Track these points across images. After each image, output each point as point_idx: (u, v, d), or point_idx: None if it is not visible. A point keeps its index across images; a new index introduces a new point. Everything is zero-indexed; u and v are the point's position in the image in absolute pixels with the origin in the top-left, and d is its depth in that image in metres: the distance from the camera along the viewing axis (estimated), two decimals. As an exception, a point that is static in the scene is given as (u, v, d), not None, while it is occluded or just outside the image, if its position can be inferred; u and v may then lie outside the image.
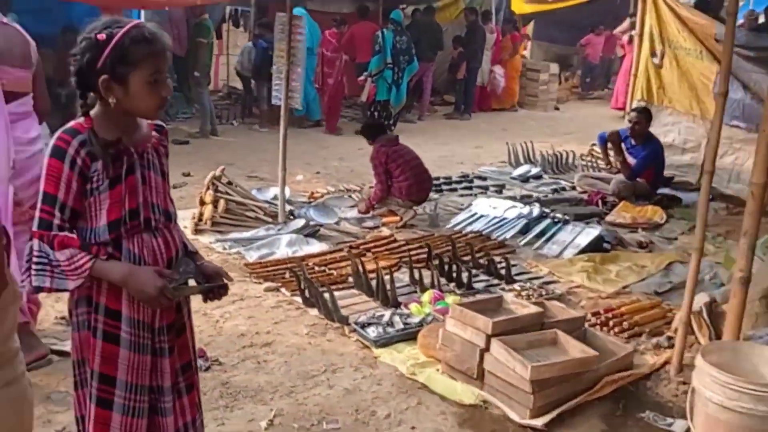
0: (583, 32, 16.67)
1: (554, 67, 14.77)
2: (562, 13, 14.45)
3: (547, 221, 5.87)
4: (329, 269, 4.95)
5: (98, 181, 1.95)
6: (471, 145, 10.35)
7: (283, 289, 4.60)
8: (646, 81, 7.61)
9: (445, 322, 3.61)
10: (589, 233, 5.60)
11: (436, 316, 4.06)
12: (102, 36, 1.90)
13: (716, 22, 7.06)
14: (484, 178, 7.96)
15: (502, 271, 4.91)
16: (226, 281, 2.20)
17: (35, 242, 1.92)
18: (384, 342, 3.86)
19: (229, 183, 6.00)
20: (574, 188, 7.57)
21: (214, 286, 2.17)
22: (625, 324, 4.10)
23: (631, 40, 14.75)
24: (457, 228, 6.08)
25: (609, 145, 7.45)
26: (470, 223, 6.15)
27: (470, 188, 7.49)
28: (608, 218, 6.38)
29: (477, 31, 12.54)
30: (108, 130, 1.98)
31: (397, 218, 6.07)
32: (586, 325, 3.90)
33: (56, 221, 1.92)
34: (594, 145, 9.08)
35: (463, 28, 12.90)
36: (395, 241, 5.58)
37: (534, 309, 3.63)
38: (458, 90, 12.96)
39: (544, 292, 4.58)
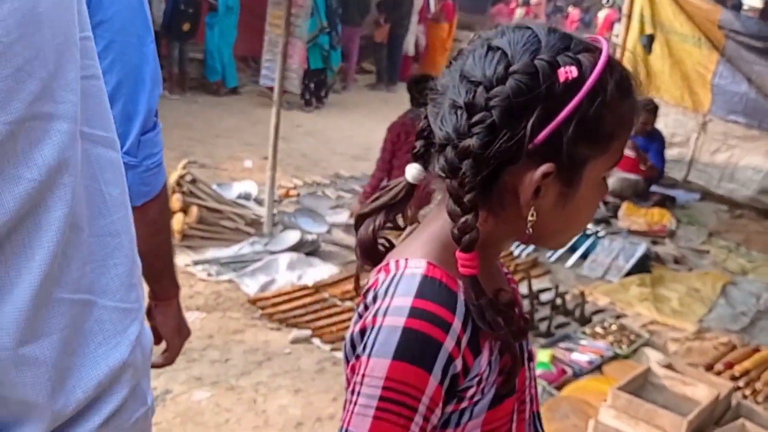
0: (483, 1, 16.15)
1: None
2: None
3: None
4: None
5: (476, 396, 0.85)
6: (413, 123, 9.39)
7: (317, 341, 3.50)
8: (633, 67, 6.96)
9: (598, 411, 2.73)
10: (632, 251, 4.88)
11: (545, 386, 3.16)
12: (572, 71, 0.80)
13: (722, 7, 6.54)
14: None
15: (561, 304, 4.10)
16: None
17: None
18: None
19: (194, 181, 4.72)
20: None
21: None
22: (758, 385, 3.40)
23: (567, 16, 14.50)
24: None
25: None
26: (479, 231, 5.26)
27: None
28: (620, 224, 5.73)
29: (403, -5, 11.52)
30: (484, 276, 0.84)
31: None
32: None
33: None
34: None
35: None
36: (413, 259, 4.58)
37: (705, 389, 2.82)
38: (379, 57, 11.89)
39: (632, 336, 3.80)
